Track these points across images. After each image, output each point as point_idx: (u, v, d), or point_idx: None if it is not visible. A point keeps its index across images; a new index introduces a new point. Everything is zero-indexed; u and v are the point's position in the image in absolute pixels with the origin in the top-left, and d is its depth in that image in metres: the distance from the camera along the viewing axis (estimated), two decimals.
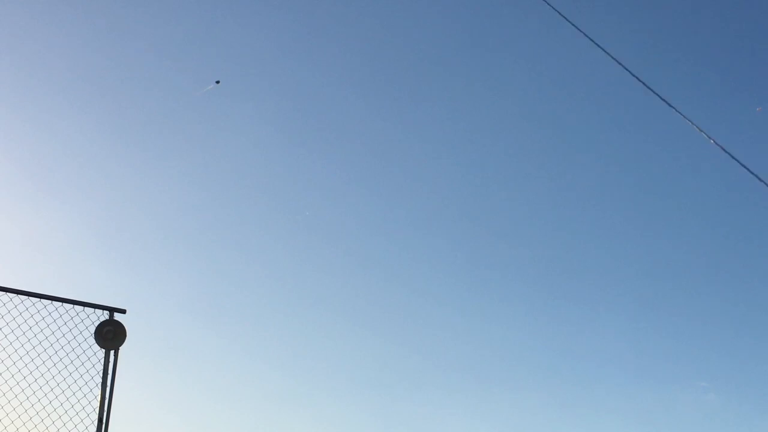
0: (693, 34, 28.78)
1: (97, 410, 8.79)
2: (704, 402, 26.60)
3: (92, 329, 9.00)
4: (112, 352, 8.98)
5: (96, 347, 8.98)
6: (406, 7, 28.71)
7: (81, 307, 9.05)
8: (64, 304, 8.99)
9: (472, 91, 28.97)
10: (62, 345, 8.92)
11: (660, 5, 27.79)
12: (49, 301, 8.95)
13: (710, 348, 27.44)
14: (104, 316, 9.07)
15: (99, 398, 8.81)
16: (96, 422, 8.75)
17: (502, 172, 29.95)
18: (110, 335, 8.98)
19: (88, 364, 8.92)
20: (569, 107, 29.34)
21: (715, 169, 28.49)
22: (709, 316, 27.58)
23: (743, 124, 27.25)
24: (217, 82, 22.77)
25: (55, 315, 8.94)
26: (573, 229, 29.30)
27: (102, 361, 8.96)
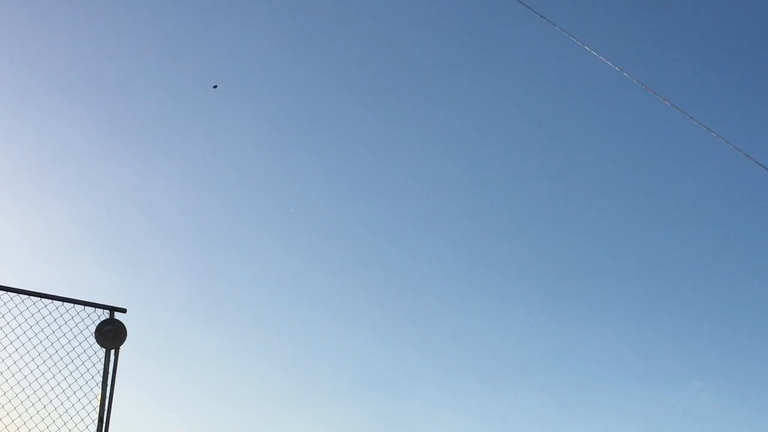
0: (693, 34, 28.77)
1: (97, 410, 8.77)
2: (700, 402, 26.62)
3: (92, 328, 8.98)
4: (112, 352, 8.96)
5: (96, 346, 8.97)
6: (406, 7, 28.69)
7: (81, 307, 9.03)
8: (64, 303, 8.97)
9: (472, 91, 28.97)
10: (62, 344, 8.89)
11: (660, 5, 27.78)
12: (50, 301, 8.93)
13: (706, 348, 27.48)
14: (105, 315, 9.05)
15: (99, 398, 8.79)
16: (96, 422, 8.74)
17: (502, 172, 29.95)
18: (111, 334, 8.96)
19: (88, 364, 8.91)
20: (569, 107, 29.34)
21: (715, 169, 28.52)
22: (706, 316, 27.62)
23: (744, 123, 27.24)
24: (215, 86, 22.80)
25: (56, 314, 8.92)
26: (573, 229, 29.31)
27: (102, 360, 8.94)
